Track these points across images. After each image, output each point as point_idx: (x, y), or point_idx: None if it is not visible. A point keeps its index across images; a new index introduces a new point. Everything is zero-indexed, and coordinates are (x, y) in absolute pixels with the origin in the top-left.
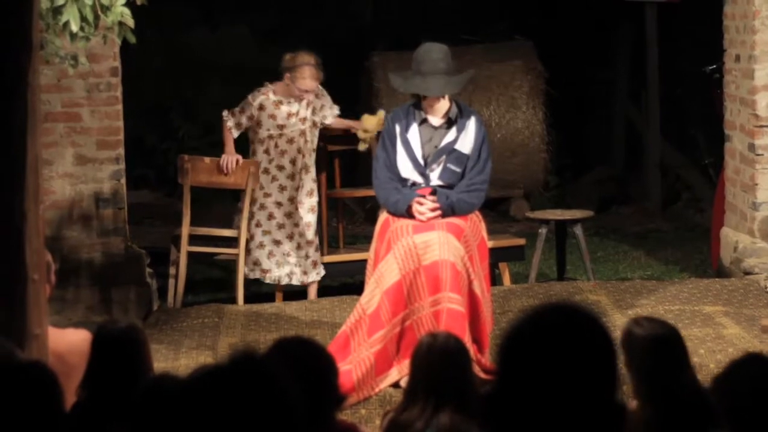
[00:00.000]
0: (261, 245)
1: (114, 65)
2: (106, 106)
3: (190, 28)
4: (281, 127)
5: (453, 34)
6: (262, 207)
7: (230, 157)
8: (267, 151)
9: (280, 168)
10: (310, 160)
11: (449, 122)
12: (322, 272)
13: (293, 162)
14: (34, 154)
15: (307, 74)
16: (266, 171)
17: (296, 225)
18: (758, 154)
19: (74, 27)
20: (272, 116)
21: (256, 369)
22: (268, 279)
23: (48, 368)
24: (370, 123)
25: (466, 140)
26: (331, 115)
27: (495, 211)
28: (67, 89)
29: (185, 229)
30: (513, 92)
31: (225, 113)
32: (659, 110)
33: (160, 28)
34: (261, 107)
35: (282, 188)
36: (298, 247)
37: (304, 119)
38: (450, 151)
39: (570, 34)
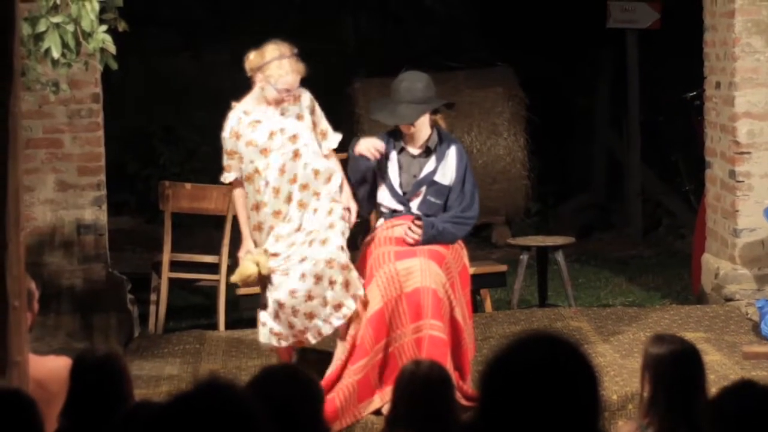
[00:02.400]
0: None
1: (95, 91)
2: (87, 132)
3: (172, 54)
4: (265, 152)
5: (435, 61)
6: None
7: (245, 243)
8: (259, 191)
9: (277, 214)
10: (318, 183)
11: (428, 151)
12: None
13: (288, 199)
14: (15, 181)
15: (285, 67)
16: (258, 227)
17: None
18: (739, 181)
19: (56, 53)
20: (251, 143)
21: (222, 395)
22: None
23: (26, 395)
24: (244, 267)
25: (446, 171)
26: (326, 146)
27: (476, 237)
28: (49, 115)
29: (166, 256)
30: (494, 119)
31: (222, 176)
32: (640, 137)
33: (142, 54)
34: (236, 135)
35: (290, 245)
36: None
37: (295, 136)
38: (429, 183)
39: (551, 60)
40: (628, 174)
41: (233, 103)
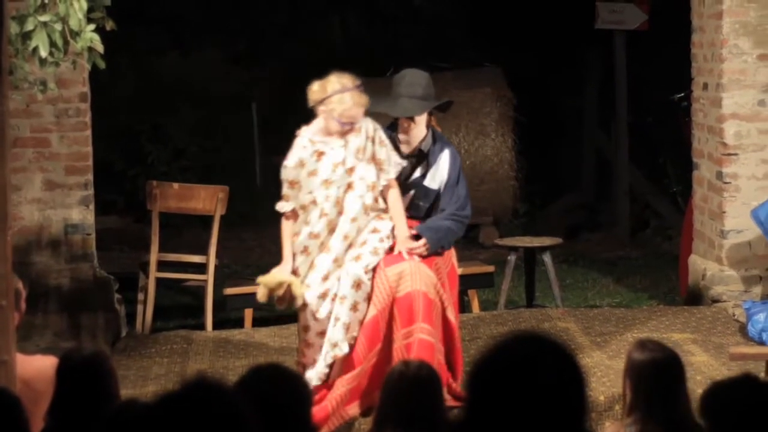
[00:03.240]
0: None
1: (83, 91)
2: (75, 131)
3: (160, 53)
4: (326, 183)
5: (423, 61)
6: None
7: (285, 264)
8: (308, 222)
9: (322, 245)
10: (366, 218)
11: (420, 154)
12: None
13: (332, 230)
14: (3, 180)
15: (347, 102)
16: (305, 251)
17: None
18: (726, 182)
19: (43, 52)
20: (313, 173)
21: (211, 394)
22: None
23: (11, 393)
24: (268, 279)
25: (436, 176)
26: (384, 177)
27: (464, 238)
28: (36, 114)
29: (154, 255)
30: (482, 119)
31: (278, 205)
32: (628, 138)
33: (131, 53)
34: (301, 164)
35: (324, 278)
36: None
37: (352, 169)
38: (418, 187)
39: (539, 61)
40: (615, 175)
41: (299, 131)
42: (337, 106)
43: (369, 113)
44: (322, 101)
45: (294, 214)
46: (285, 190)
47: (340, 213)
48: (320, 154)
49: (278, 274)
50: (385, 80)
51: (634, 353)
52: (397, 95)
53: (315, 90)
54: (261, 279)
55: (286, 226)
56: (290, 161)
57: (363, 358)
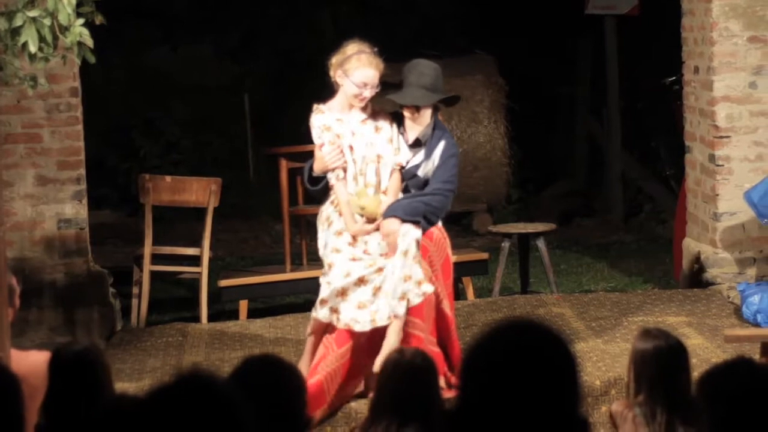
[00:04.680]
0: None
1: (74, 85)
2: (66, 126)
3: (152, 47)
4: (351, 149)
5: (414, 49)
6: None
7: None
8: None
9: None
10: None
11: (417, 143)
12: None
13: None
14: None
15: (364, 60)
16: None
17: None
18: (718, 165)
19: (33, 48)
20: (339, 136)
21: (204, 386)
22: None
23: (8, 370)
24: (367, 202)
25: (428, 166)
26: (395, 160)
27: (458, 225)
28: (27, 110)
29: (147, 249)
30: (474, 107)
31: (330, 176)
32: (620, 123)
33: (121, 47)
34: (326, 128)
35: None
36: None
37: (372, 144)
38: (412, 176)
39: (530, 48)
40: (608, 160)
41: (315, 105)
42: (355, 63)
43: (376, 99)
44: (340, 63)
45: (344, 178)
46: (323, 138)
47: (366, 186)
48: (339, 120)
49: (369, 199)
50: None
51: (637, 342)
52: (406, 84)
53: (335, 58)
54: (361, 207)
55: (341, 190)
56: (317, 129)
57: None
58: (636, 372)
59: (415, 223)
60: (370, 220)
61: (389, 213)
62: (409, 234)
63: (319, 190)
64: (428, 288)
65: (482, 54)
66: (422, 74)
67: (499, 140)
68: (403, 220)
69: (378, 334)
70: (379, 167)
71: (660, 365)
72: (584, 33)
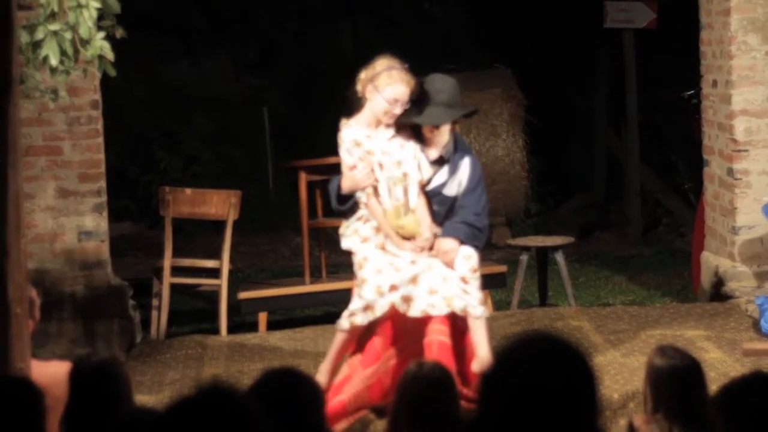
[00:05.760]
0: None
1: (94, 98)
2: (87, 139)
3: (171, 60)
4: (380, 166)
5: (434, 63)
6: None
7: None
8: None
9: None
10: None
11: (441, 160)
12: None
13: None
14: (16, 188)
15: (395, 76)
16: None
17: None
18: (737, 179)
19: (54, 61)
20: (370, 152)
21: (224, 399)
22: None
23: (33, 384)
24: (408, 221)
25: (454, 184)
26: (418, 177)
27: None
28: (48, 123)
29: (167, 261)
30: (493, 120)
31: (359, 195)
32: (639, 136)
33: (143, 60)
34: (357, 143)
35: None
36: None
37: (400, 162)
38: (436, 194)
39: (549, 61)
40: (627, 173)
41: (343, 120)
42: (386, 80)
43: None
44: (370, 79)
45: (376, 192)
46: (353, 154)
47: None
48: (368, 137)
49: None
50: None
51: (653, 359)
52: (422, 101)
53: (363, 73)
54: (403, 222)
55: (376, 206)
56: (345, 144)
57: (381, 353)
58: (652, 390)
59: (475, 247)
60: (408, 238)
61: (449, 233)
62: (473, 258)
63: (346, 210)
64: (484, 311)
65: (501, 68)
66: (439, 90)
67: (517, 153)
68: (463, 242)
69: (405, 359)
70: (407, 185)
71: (675, 385)
72: (603, 47)
